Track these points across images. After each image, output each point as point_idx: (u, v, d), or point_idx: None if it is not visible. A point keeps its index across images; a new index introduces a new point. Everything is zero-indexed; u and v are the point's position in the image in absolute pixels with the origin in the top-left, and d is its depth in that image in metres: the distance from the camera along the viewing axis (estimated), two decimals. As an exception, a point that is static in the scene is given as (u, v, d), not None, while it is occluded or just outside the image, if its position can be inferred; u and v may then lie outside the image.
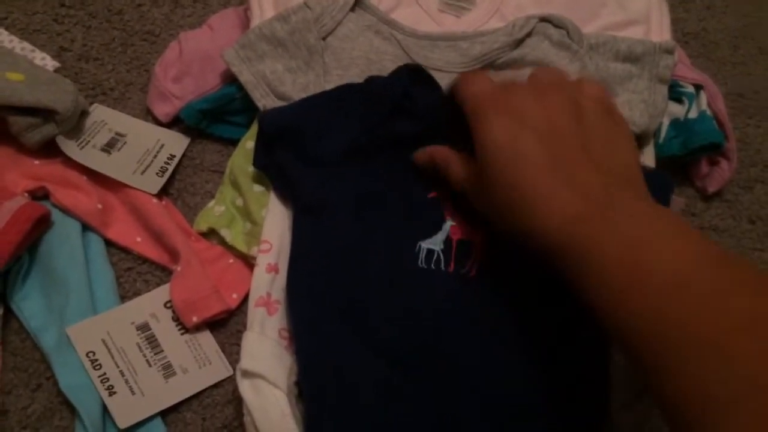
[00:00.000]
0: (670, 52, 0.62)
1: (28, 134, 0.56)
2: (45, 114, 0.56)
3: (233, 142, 0.63)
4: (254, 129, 0.61)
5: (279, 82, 0.60)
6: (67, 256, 0.54)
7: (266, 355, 0.49)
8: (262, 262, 0.54)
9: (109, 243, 0.58)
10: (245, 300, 0.55)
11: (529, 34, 0.62)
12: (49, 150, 0.58)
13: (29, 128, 0.56)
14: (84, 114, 0.60)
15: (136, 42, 0.69)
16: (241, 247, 0.57)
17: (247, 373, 0.48)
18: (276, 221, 0.56)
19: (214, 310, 0.54)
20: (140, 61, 0.68)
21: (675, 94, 0.65)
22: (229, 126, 0.64)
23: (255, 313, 0.52)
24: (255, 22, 0.63)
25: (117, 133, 0.61)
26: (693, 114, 0.64)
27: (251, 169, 0.59)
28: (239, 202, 0.59)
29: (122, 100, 0.65)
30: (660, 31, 0.66)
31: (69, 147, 0.57)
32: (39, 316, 0.53)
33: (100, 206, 0.57)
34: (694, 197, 0.66)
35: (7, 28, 0.67)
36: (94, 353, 0.51)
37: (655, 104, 0.61)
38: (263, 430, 0.47)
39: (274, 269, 0.54)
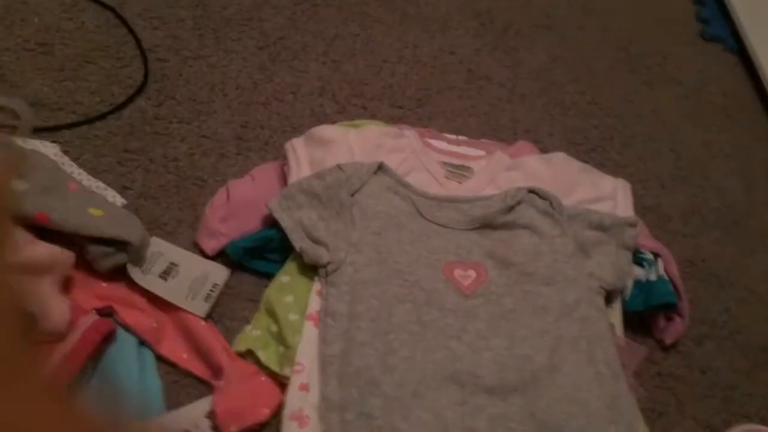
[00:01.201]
0: (633, 225, 0.77)
1: (103, 261, 0.66)
2: (118, 244, 0.66)
3: (268, 276, 0.73)
4: (289, 265, 0.72)
5: (314, 228, 0.71)
6: (125, 368, 0.63)
7: (298, 463, 0.57)
8: (296, 381, 0.63)
9: (159, 357, 0.66)
10: (275, 414, 0.64)
11: (519, 202, 0.76)
12: (114, 274, 0.68)
13: (104, 256, 0.66)
14: (145, 245, 0.71)
15: (187, 185, 0.81)
16: (275, 367, 0.66)
17: (282, 480, 0.56)
18: (309, 346, 0.65)
19: (251, 421, 0.62)
20: (190, 201, 0.79)
21: (638, 259, 0.78)
22: (265, 262, 0.74)
23: (289, 427, 0.60)
24: (293, 177, 0.76)
25: (171, 263, 0.71)
26: (653, 277, 0.77)
27: (287, 299, 0.69)
28: (274, 328, 0.68)
29: (174, 234, 0.76)
30: (624, 207, 0.80)
31: (135, 273, 0.67)
32: (96, 420, 0.60)
33: (155, 325, 0.66)
34: (654, 347, 0.78)
35: (79, 167, 0.78)
36: (145, 455, 0.58)
37: (621, 267, 0.74)
38: None
39: (305, 388, 0.63)
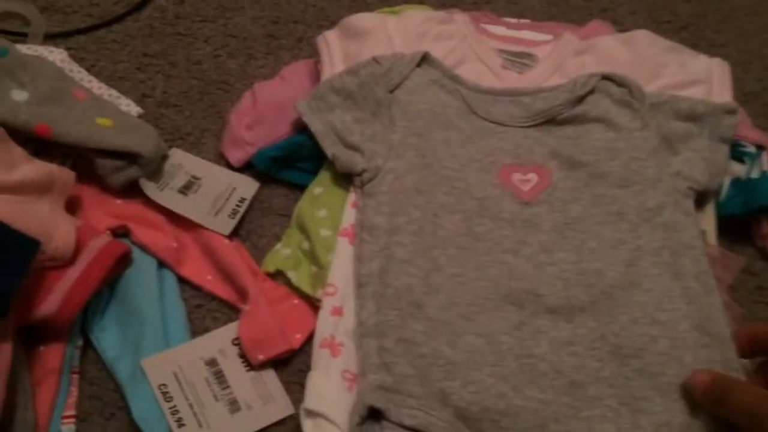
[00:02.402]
0: (731, 112, 0.63)
1: (114, 176, 0.60)
2: (130, 157, 0.60)
3: (300, 188, 0.65)
4: (322, 175, 0.64)
5: (348, 132, 0.62)
6: (144, 292, 0.57)
7: (330, 396, 0.51)
8: (328, 305, 0.56)
9: (181, 280, 0.61)
10: (308, 340, 0.57)
11: (591, 92, 0.64)
12: (130, 190, 0.62)
13: (115, 170, 0.60)
14: (163, 158, 0.64)
15: (212, 91, 0.73)
16: (307, 288, 0.59)
17: (310, 413, 0.50)
18: (342, 265, 0.58)
19: (280, 349, 0.56)
20: (215, 108, 0.72)
21: (737, 153, 0.65)
22: (297, 172, 0.66)
23: (320, 355, 0.53)
24: (326, 74, 0.67)
25: (193, 177, 0.64)
26: (755, 174, 0.64)
27: (319, 213, 0.61)
28: (306, 245, 0.61)
29: (198, 145, 0.69)
30: (721, 92, 0.66)
31: (150, 188, 0.61)
32: (115, 347, 0.55)
33: (175, 244, 0.60)
34: (754, 256, 0.66)
35: (95, 75, 0.71)
36: (166, 386, 0.54)
37: (716, 163, 0.62)
38: (325, 467, 0.48)
39: (338, 312, 0.56)
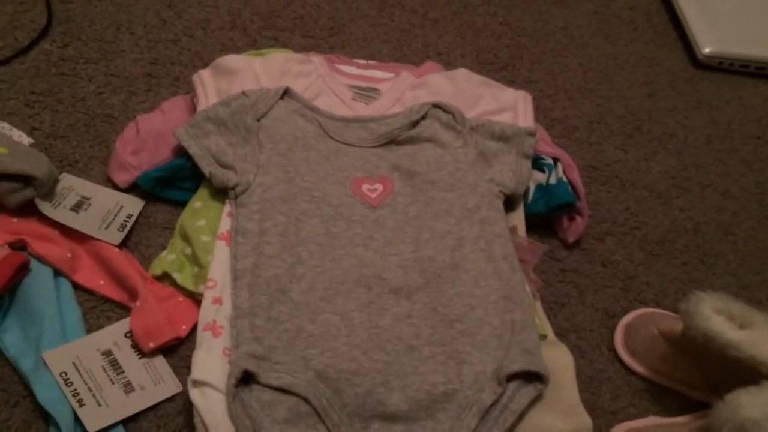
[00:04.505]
0: (532, 134, 0.80)
1: (10, 197, 0.67)
2: (25, 180, 0.68)
3: (182, 204, 0.75)
4: (201, 191, 0.74)
5: (222, 154, 0.73)
6: (42, 296, 0.65)
7: (212, 368, 0.61)
8: (209, 296, 0.66)
9: (76, 286, 0.68)
10: (193, 331, 0.67)
11: (423, 117, 0.79)
12: (25, 210, 0.69)
13: (11, 192, 0.67)
14: (55, 181, 0.72)
15: (97, 123, 0.82)
16: (190, 286, 0.69)
17: (196, 383, 0.60)
18: (220, 263, 0.68)
19: (167, 337, 0.65)
20: (101, 138, 0.81)
21: (539, 165, 0.82)
22: (178, 190, 0.76)
23: (203, 336, 0.63)
24: (201, 106, 0.78)
25: (83, 197, 0.73)
26: (553, 180, 0.81)
27: (199, 223, 0.71)
28: (188, 251, 0.71)
29: (86, 171, 0.77)
30: (525, 117, 0.83)
31: (45, 207, 0.69)
32: (18, 345, 0.62)
33: (69, 255, 0.68)
34: (558, 246, 0.83)
35: (-15, 112, 0.78)
36: (66, 373, 0.61)
37: (521, 173, 0.78)
38: (211, 427, 0.57)
39: (218, 301, 0.66)
